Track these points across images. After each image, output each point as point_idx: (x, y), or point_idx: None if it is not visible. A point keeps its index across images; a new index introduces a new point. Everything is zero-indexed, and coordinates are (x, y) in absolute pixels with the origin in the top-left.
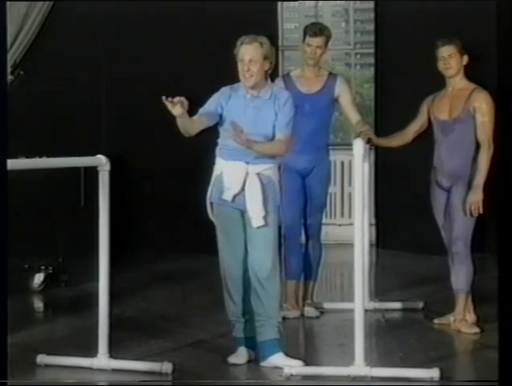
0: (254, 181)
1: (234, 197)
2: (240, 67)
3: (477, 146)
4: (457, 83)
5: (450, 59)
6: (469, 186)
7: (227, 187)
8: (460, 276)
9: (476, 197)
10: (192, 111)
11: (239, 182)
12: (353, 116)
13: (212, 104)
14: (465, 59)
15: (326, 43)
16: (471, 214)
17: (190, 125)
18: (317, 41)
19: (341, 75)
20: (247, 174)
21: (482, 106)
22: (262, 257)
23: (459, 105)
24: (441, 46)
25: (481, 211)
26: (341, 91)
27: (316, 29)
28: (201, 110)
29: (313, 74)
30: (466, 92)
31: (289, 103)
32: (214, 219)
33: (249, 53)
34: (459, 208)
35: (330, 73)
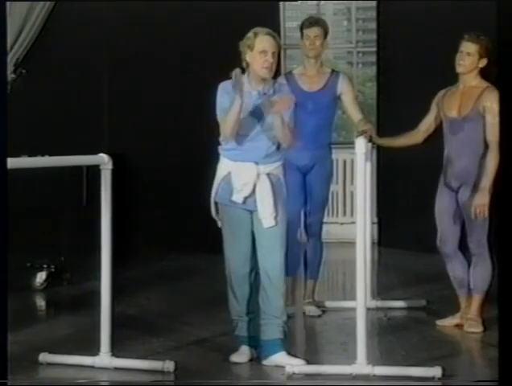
0: (265, 182)
1: (245, 199)
2: (261, 58)
3: (486, 147)
4: (469, 81)
5: (466, 57)
6: (476, 188)
7: (238, 189)
8: (476, 276)
9: (482, 200)
10: (194, 111)
11: (250, 183)
12: (355, 114)
13: (229, 104)
14: (483, 61)
15: (324, 35)
16: (476, 217)
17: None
18: (314, 31)
19: (344, 72)
20: (258, 175)
21: (493, 106)
22: (274, 256)
23: (469, 103)
24: (464, 40)
25: (487, 214)
26: (344, 88)
27: (312, 20)
28: (224, 112)
29: (315, 71)
30: (477, 90)
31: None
32: (219, 219)
33: (271, 44)
34: (467, 209)
35: (333, 70)
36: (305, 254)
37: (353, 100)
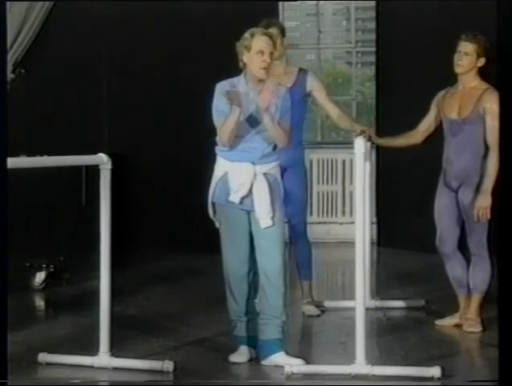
0: (262, 182)
1: (242, 199)
2: (258, 59)
3: (486, 148)
4: (469, 81)
5: (464, 57)
6: (477, 189)
7: (235, 190)
8: (475, 276)
9: (485, 202)
10: (193, 110)
11: (247, 184)
12: (332, 109)
13: (225, 106)
14: (481, 61)
15: (281, 34)
16: (478, 219)
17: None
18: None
19: (311, 71)
20: (255, 175)
21: (493, 107)
22: (272, 256)
23: (469, 105)
24: (462, 40)
25: (489, 217)
26: (314, 85)
27: (264, 23)
28: (223, 115)
29: (282, 70)
30: (477, 91)
31: (287, 96)
32: (217, 220)
33: (268, 45)
34: (468, 210)
35: (300, 69)
36: (296, 256)
37: (326, 96)
